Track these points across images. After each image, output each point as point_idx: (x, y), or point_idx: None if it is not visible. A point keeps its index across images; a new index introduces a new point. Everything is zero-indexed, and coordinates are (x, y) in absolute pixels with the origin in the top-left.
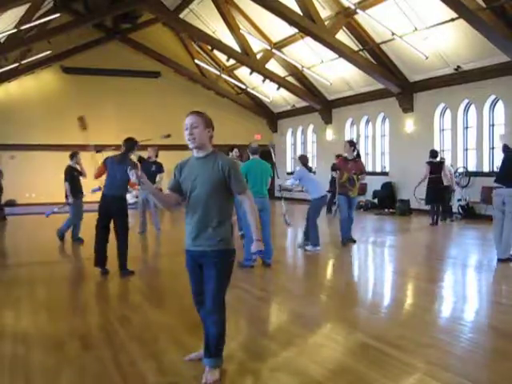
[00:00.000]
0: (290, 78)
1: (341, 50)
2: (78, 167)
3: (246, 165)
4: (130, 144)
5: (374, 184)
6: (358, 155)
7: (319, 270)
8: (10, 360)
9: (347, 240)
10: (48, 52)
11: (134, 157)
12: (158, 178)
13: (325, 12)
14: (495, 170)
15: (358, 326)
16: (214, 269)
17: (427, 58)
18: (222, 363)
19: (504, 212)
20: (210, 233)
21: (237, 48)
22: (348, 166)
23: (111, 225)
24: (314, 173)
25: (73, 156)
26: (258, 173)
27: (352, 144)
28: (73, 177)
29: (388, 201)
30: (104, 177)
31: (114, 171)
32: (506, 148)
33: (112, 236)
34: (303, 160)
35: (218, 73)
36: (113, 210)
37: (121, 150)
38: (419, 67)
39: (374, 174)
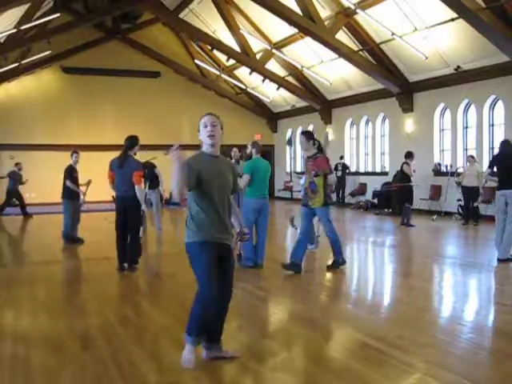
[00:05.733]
0: (289, 78)
1: (341, 50)
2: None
3: (251, 164)
4: (130, 141)
5: (373, 184)
6: (320, 150)
7: (319, 270)
8: (10, 360)
9: (294, 266)
10: (48, 52)
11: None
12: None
13: (325, 12)
14: (495, 169)
15: (358, 326)
16: (232, 260)
17: (427, 58)
18: None
19: (506, 213)
20: (229, 227)
21: (237, 48)
22: (308, 165)
23: None
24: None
25: (72, 154)
26: (263, 172)
27: (309, 137)
28: (72, 177)
29: (388, 201)
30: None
31: (119, 172)
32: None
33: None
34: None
35: (217, 73)
36: (126, 208)
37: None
38: (419, 67)
39: (373, 174)
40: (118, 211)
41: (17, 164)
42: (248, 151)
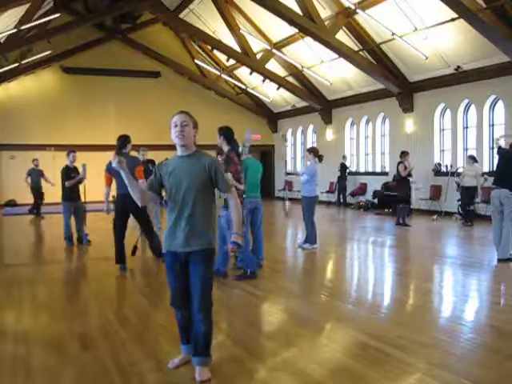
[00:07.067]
0: (290, 78)
1: (341, 50)
2: (76, 166)
3: (243, 164)
4: (122, 141)
5: (373, 184)
6: (233, 148)
7: (319, 270)
8: (10, 360)
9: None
10: (48, 52)
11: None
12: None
13: (325, 12)
14: (495, 169)
15: (358, 326)
16: (202, 267)
17: (427, 58)
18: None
19: (502, 212)
20: (198, 232)
21: (237, 48)
22: None
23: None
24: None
25: (67, 155)
26: (253, 172)
27: (219, 132)
28: (69, 177)
29: (388, 201)
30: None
31: (119, 172)
32: (500, 149)
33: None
34: (315, 151)
35: (218, 73)
36: (129, 206)
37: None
38: (419, 67)
39: (373, 174)
40: (119, 211)
41: (34, 160)
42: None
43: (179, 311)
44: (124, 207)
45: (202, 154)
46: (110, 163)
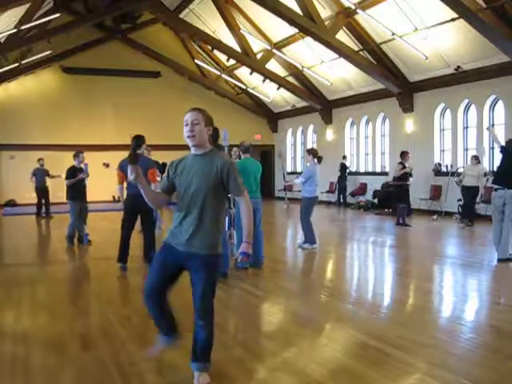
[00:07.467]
0: (290, 78)
1: (341, 50)
2: (82, 167)
3: (240, 164)
4: (137, 141)
5: (373, 184)
6: (217, 147)
7: (319, 270)
8: (10, 360)
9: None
10: (48, 52)
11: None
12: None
13: (325, 12)
14: (495, 170)
15: (358, 326)
16: (203, 274)
17: (427, 58)
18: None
19: (503, 212)
20: (203, 234)
21: (237, 48)
22: None
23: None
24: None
25: (76, 155)
26: (252, 172)
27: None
28: (75, 177)
29: (388, 201)
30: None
31: None
32: (503, 148)
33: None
34: (314, 153)
35: (218, 73)
36: (139, 206)
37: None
38: (419, 67)
39: (374, 173)
40: (128, 210)
41: (39, 160)
42: (237, 153)
43: (150, 310)
44: (133, 207)
45: (217, 154)
46: (124, 161)
